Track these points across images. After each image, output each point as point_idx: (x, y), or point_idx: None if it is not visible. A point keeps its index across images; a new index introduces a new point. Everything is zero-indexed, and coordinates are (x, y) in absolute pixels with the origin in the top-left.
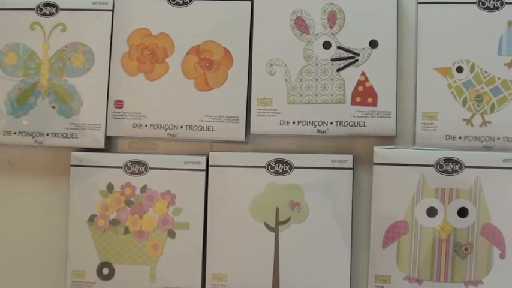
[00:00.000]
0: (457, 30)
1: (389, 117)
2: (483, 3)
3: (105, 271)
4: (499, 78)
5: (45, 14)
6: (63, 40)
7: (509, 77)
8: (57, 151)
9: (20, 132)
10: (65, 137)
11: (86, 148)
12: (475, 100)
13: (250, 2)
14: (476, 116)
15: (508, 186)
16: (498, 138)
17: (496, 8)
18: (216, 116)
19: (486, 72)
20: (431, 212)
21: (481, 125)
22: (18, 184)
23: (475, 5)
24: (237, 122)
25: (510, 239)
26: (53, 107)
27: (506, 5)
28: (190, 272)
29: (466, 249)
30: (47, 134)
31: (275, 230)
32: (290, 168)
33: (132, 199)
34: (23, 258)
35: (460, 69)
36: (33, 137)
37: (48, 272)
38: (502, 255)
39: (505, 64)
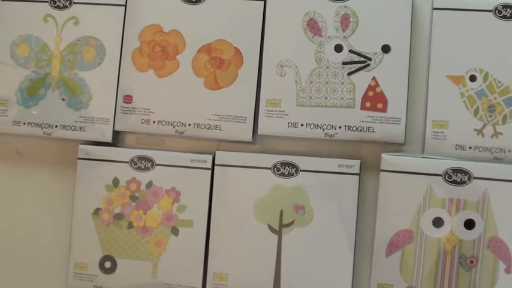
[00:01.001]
0: (472, 38)
1: (399, 123)
2: (499, 12)
3: (108, 264)
4: None
5: (58, 7)
6: (75, 33)
7: None
8: (65, 143)
9: (29, 123)
10: (74, 129)
11: (93, 142)
12: (487, 110)
13: (262, 1)
14: (488, 127)
15: None
16: (509, 150)
17: None
18: (224, 115)
19: (500, 82)
20: (438, 222)
21: (492, 136)
22: (25, 174)
23: (491, 13)
24: (244, 122)
25: None
26: (63, 99)
27: None
28: (192, 270)
29: (471, 262)
30: (56, 126)
31: (278, 233)
32: (296, 171)
33: (137, 194)
34: (27, 248)
35: (473, 78)
36: (42, 129)
37: (51, 263)
38: (508, 270)
39: None
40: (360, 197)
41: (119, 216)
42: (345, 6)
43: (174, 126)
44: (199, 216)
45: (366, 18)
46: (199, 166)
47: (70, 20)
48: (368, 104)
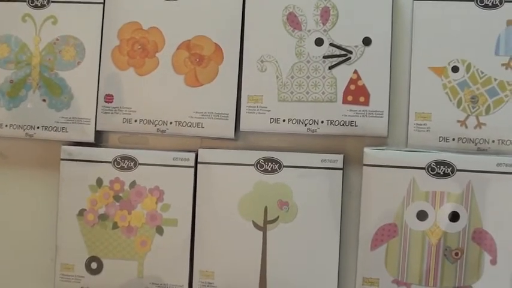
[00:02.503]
0: (454, 28)
1: (382, 117)
2: (481, 1)
3: (94, 265)
4: (495, 79)
5: (36, 6)
6: (54, 33)
7: (506, 78)
8: (48, 144)
9: (11, 125)
10: (56, 130)
11: (76, 142)
12: (470, 101)
13: None
14: (471, 118)
15: (501, 191)
16: (493, 141)
17: (494, 6)
18: (205, 113)
19: (482, 72)
20: (422, 215)
21: (475, 127)
22: (9, 176)
23: (473, 2)
24: (226, 119)
25: (501, 244)
26: (44, 100)
27: (506, 3)
28: (178, 268)
29: (457, 254)
30: (38, 127)
31: (263, 229)
32: (279, 167)
33: (120, 194)
34: (13, 250)
35: (455, 69)
36: (24, 130)
37: (38, 265)
38: (493, 261)
39: (503, 64)
40: (344, 192)
41: (103, 217)
42: None
43: (155, 125)
44: (184, 215)
45: (346, 11)
46: (182, 164)
47: (48, 20)
48: (350, 98)
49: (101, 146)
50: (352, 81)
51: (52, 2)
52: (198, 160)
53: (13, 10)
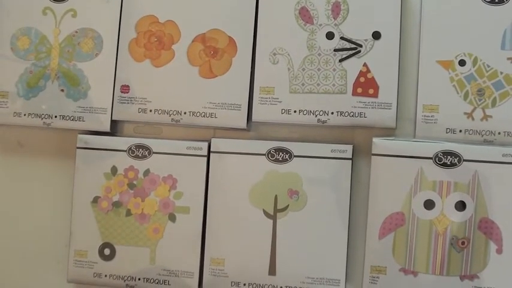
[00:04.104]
0: (461, 23)
1: (390, 108)
2: None
3: (107, 251)
4: (501, 73)
5: (57, 0)
6: (73, 25)
7: (511, 72)
8: (65, 133)
9: (29, 114)
10: (73, 119)
11: (92, 131)
12: (476, 94)
13: None
14: (478, 110)
15: (507, 181)
16: (499, 133)
17: (501, 2)
18: (218, 103)
19: (489, 66)
20: (429, 204)
21: (482, 119)
22: (27, 165)
23: None
24: (239, 110)
25: (507, 234)
26: (62, 90)
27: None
28: (189, 255)
29: (463, 243)
30: (55, 117)
31: (273, 217)
32: (290, 157)
33: (135, 182)
34: (28, 236)
35: (462, 63)
36: (41, 119)
37: (52, 251)
38: (499, 251)
39: (508, 58)
40: (353, 181)
41: (117, 204)
42: None
43: (170, 115)
44: (196, 203)
45: (356, 6)
46: (195, 153)
47: (68, 13)
48: (359, 90)
49: (116, 135)
50: (361, 73)
51: None
52: (211, 149)
53: (34, 3)
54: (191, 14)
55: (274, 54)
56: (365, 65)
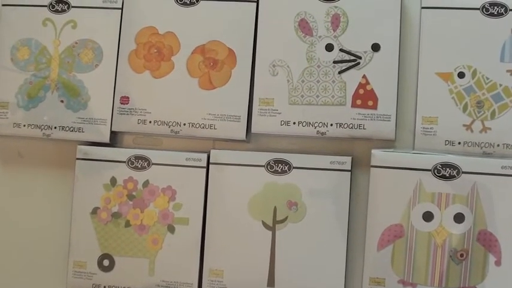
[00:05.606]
0: (460, 35)
1: (389, 120)
2: (487, 10)
3: (106, 263)
4: (500, 85)
5: (57, 11)
6: (73, 36)
7: (510, 84)
8: (64, 144)
9: (29, 125)
10: (72, 130)
11: (91, 142)
12: (475, 106)
13: (255, 3)
14: (477, 122)
15: (505, 193)
16: (498, 145)
17: (499, 15)
18: (218, 115)
19: (488, 78)
20: (428, 216)
21: (481, 131)
22: (26, 175)
23: (478, 11)
24: (238, 121)
25: (506, 246)
26: (62, 101)
27: (510, 12)
28: (188, 266)
29: (462, 255)
30: (55, 127)
31: (272, 229)
32: (289, 168)
33: (134, 193)
34: (28, 247)
35: (461, 75)
36: (41, 130)
37: (51, 262)
38: (498, 263)
39: (507, 71)
40: (352, 193)
41: (116, 215)
42: (336, 6)
43: (169, 126)
44: (195, 214)
45: (356, 18)
46: (195, 165)
47: (68, 24)
48: (359, 102)
49: (115, 147)
50: (361, 85)
51: (72, 7)
52: (210, 161)
53: (34, 15)
54: (191, 25)
55: (274, 65)
56: (364, 76)
